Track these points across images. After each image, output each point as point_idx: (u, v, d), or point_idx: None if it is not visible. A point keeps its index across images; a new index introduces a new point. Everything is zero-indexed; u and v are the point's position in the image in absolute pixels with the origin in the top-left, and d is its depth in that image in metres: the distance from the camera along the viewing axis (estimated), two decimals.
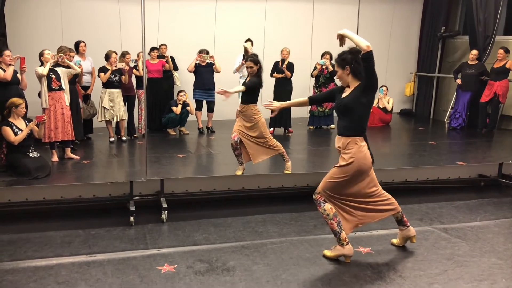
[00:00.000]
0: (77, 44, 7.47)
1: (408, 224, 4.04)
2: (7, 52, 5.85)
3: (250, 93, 5.41)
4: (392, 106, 9.63)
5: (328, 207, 3.72)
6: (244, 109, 5.45)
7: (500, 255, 3.99)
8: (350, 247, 3.80)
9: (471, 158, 6.85)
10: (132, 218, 4.55)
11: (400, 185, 5.59)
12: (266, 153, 5.53)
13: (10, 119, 5.53)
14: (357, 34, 3.59)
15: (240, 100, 5.68)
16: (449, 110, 9.86)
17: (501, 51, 8.50)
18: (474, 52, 8.95)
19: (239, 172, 5.57)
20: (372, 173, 3.78)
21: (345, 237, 3.76)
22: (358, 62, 3.54)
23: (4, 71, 5.77)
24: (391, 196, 3.91)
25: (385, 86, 9.55)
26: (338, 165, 3.70)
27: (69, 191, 4.83)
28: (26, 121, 5.64)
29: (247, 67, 5.47)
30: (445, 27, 10.32)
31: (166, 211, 4.65)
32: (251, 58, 5.42)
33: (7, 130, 5.44)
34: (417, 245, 4.12)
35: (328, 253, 3.89)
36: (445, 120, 10.02)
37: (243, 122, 5.47)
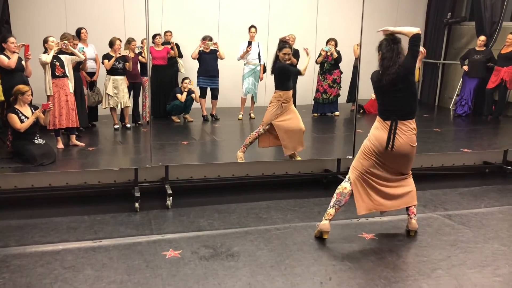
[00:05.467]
0: (78, 31, 7.44)
1: (412, 216, 4.04)
2: (11, 39, 5.83)
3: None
4: None
5: (346, 185, 3.89)
6: (288, 95, 5.44)
7: (504, 241, 4.00)
8: (327, 223, 3.89)
9: (476, 145, 6.82)
10: (137, 204, 4.59)
11: None
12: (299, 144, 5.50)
13: (16, 106, 5.54)
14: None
15: (277, 87, 5.51)
16: (455, 97, 9.80)
17: (511, 36, 8.39)
18: (482, 38, 8.84)
19: (240, 160, 5.54)
20: (395, 163, 3.84)
21: (330, 213, 3.88)
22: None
23: (9, 58, 5.77)
24: (414, 188, 3.98)
25: None
26: None
27: (74, 177, 4.87)
28: (32, 108, 5.65)
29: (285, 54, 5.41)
30: (451, 13, 10.20)
31: (171, 197, 4.68)
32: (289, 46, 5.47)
33: (13, 117, 5.46)
34: (420, 232, 4.14)
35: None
36: (450, 107, 9.96)
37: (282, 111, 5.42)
